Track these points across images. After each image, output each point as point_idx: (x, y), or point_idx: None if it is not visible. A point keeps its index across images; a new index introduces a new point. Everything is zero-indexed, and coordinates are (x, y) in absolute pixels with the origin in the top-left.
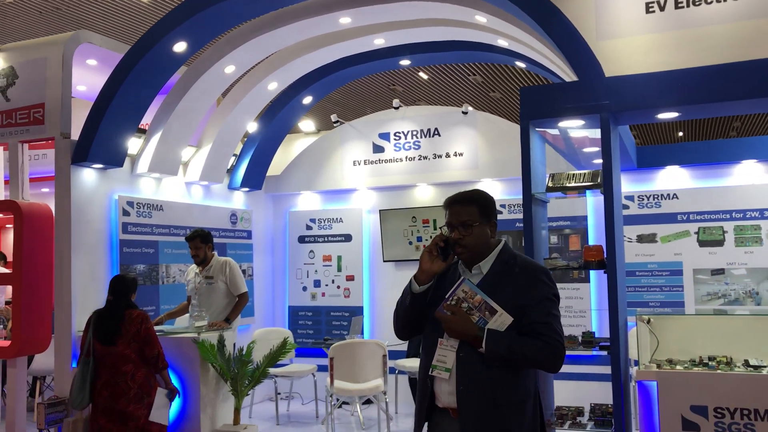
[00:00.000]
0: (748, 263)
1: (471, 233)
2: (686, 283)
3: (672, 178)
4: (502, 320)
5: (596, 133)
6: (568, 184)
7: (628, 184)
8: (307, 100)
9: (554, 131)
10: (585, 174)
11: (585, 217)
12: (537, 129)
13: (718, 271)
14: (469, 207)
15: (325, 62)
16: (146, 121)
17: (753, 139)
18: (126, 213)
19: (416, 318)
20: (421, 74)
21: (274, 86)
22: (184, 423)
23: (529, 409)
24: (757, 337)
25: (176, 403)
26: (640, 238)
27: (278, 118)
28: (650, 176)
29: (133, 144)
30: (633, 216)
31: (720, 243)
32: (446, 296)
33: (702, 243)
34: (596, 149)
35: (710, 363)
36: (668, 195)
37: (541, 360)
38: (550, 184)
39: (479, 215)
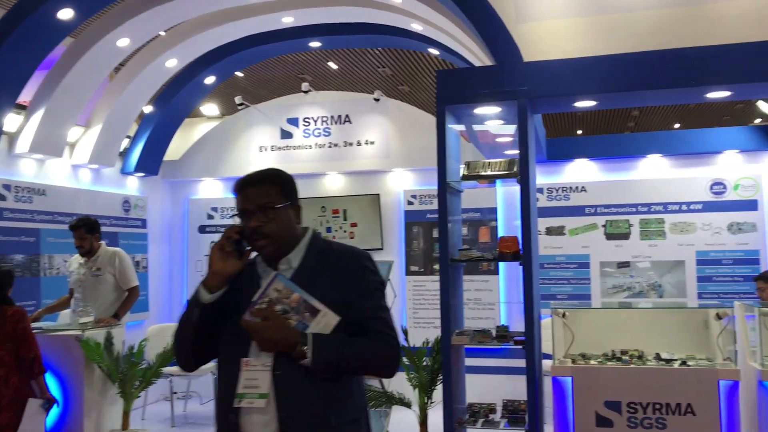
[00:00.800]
0: (652, 256)
1: (273, 218)
2: (593, 275)
3: (580, 170)
4: (326, 320)
5: (509, 129)
6: (484, 173)
7: (538, 176)
8: (210, 80)
9: (460, 127)
10: (501, 162)
11: (494, 209)
12: (450, 126)
13: (624, 264)
14: (266, 187)
15: (229, 39)
16: (27, 97)
17: (658, 134)
18: (2, 197)
19: (206, 338)
20: (331, 64)
21: (173, 63)
22: (64, 430)
23: (363, 429)
24: (665, 329)
25: (54, 411)
26: (549, 231)
27: (177, 99)
28: (559, 168)
29: (10, 121)
30: (542, 208)
31: (626, 236)
32: (254, 298)
33: (609, 236)
34: (509, 139)
35: (623, 357)
36: (577, 188)
37: (377, 363)
38: (466, 173)
39: (281, 195)
